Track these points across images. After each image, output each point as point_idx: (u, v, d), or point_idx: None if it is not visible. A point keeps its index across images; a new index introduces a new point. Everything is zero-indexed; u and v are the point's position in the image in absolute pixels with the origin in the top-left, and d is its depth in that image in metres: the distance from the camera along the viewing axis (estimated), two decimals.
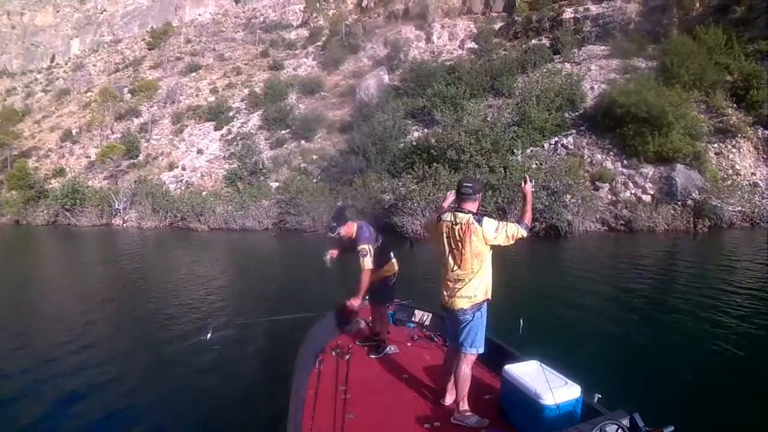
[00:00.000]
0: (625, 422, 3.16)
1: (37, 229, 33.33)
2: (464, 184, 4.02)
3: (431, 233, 4.28)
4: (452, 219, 4.00)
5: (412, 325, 6.22)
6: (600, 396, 3.78)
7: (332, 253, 5.46)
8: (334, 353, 5.26)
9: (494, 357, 4.49)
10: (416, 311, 6.34)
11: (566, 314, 8.80)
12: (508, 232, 3.88)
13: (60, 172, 40.85)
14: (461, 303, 3.97)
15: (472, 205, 3.99)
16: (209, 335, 6.05)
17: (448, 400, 4.23)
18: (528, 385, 3.66)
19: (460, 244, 3.94)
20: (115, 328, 9.61)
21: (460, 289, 3.97)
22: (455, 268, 3.99)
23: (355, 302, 5.15)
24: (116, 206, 30.98)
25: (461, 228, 3.92)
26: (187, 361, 7.39)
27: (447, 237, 4.02)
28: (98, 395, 6.36)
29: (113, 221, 31.00)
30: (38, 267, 18.44)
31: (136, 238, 25.25)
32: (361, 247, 5.07)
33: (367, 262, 5.05)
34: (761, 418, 5.21)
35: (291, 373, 4.49)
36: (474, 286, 3.96)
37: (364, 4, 52.55)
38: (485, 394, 4.30)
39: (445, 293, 4.06)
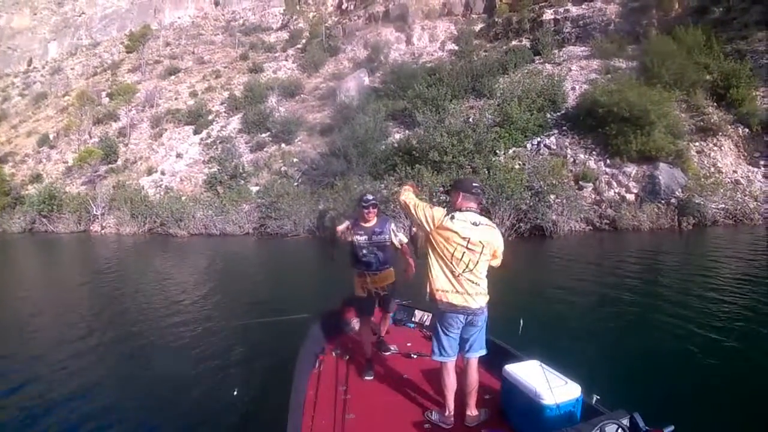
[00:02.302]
0: (625, 422, 3.13)
1: (13, 236, 32.51)
2: (473, 183, 4.01)
3: (430, 229, 3.95)
4: (475, 220, 3.85)
5: (412, 325, 6.17)
6: (600, 396, 3.75)
7: (347, 225, 5.26)
8: (334, 353, 5.28)
9: (494, 357, 4.46)
10: (416, 311, 6.29)
11: (563, 314, 8.82)
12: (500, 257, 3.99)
13: (37, 178, 39.83)
14: (481, 301, 3.89)
15: (479, 207, 3.99)
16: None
17: (453, 408, 4.05)
18: (528, 385, 3.68)
19: (474, 249, 3.82)
20: (105, 334, 9.43)
21: (475, 288, 3.86)
22: (467, 270, 3.83)
23: (413, 267, 5.11)
24: (94, 212, 30.32)
25: (483, 231, 3.85)
26: (185, 363, 7.37)
27: (464, 237, 3.80)
28: (94, 401, 6.36)
29: (91, 227, 30.30)
30: (14, 277, 17.94)
31: (115, 245, 24.81)
32: (391, 225, 5.19)
33: (404, 237, 5.20)
34: (761, 418, 5.18)
35: (291, 373, 4.52)
36: (484, 287, 3.90)
37: (343, 7, 52.38)
38: (485, 394, 4.32)
39: (455, 293, 3.86)
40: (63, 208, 32.10)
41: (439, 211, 3.92)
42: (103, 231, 29.61)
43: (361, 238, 5.09)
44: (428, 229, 3.91)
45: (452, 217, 3.85)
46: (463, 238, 3.81)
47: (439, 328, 3.97)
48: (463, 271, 3.82)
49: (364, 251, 5.10)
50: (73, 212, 31.54)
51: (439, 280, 3.87)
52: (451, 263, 3.82)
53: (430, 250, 3.94)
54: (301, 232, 21.66)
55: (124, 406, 6.31)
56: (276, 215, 22.79)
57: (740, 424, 5.15)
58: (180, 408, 6.13)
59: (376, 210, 5.09)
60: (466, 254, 3.81)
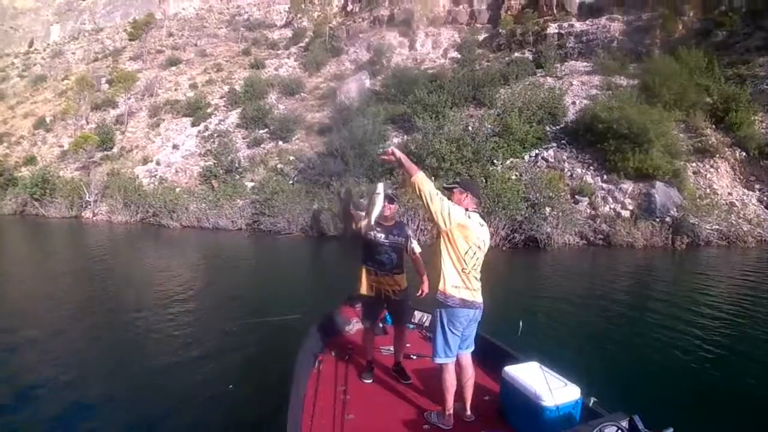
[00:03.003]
0: (625, 424, 3.13)
1: (3, 218, 32.19)
2: (479, 188, 4.22)
3: (449, 225, 3.79)
4: (481, 221, 3.95)
5: (412, 326, 6.10)
6: (599, 398, 3.78)
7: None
8: (333, 353, 5.26)
9: (494, 358, 4.50)
10: (416, 312, 6.25)
11: (563, 319, 9.05)
12: None
13: (31, 161, 39.44)
14: (481, 297, 3.97)
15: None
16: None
17: (452, 409, 4.02)
18: (528, 387, 3.72)
19: (481, 247, 3.90)
20: (93, 327, 9.23)
21: (477, 285, 3.93)
22: (473, 268, 3.88)
23: (426, 287, 4.67)
24: (87, 198, 30.05)
25: (486, 232, 3.96)
26: (185, 362, 7.21)
27: (477, 236, 3.86)
28: (81, 396, 6.19)
29: (83, 214, 30.03)
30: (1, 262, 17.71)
31: (106, 233, 24.58)
32: (410, 233, 5.07)
33: (417, 246, 5.06)
34: (760, 420, 5.29)
35: (290, 373, 4.48)
36: (480, 284, 3.95)
37: (349, 8, 52.43)
38: (485, 395, 4.35)
39: (465, 289, 3.87)
40: (55, 192, 31.75)
41: (459, 209, 3.83)
42: (94, 218, 29.37)
43: (379, 235, 4.83)
44: (446, 225, 3.75)
45: (469, 216, 3.86)
46: (477, 237, 3.85)
47: (446, 327, 3.90)
48: (471, 268, 3.85)
49: (380, 249, 4.84)
50: (65, 197, 31.18)
51: (452, 277, 3.84)
52: (463, 260, 3.81)
53: (443, 246, 3.84)
54: (295, 231, 21.51)
55: (114, 402, 6.12)
56: (270, 212, 22.63)
57: (740, 426, 5.24)
58: (178, 404, 5.96)
59: (393, 207, 4.86)
60: (477, 253, 3.87)
